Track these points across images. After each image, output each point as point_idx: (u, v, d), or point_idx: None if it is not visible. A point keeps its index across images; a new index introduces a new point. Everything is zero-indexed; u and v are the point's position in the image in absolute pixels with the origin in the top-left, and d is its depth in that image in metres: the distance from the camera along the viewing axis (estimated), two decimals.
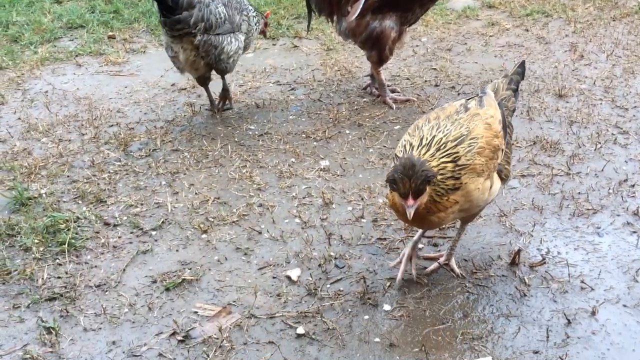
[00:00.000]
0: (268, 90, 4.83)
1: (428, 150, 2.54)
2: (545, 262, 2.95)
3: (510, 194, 3.47)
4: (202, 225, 3.30)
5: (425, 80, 4.85)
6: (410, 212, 2.45)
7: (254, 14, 4.45)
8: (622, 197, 3.38)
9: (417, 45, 5.47)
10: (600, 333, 2.58)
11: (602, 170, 3.60)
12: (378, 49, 4.29)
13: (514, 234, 3.17)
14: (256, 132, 4.23)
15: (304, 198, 3.53)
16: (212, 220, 3.36)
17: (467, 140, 2.56)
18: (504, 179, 2.85)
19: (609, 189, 3.45)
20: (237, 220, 3.35)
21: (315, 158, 3.90)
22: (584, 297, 2.75)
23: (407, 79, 4.91)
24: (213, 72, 4.28)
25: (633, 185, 3.46)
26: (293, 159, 3.91)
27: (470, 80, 4.78)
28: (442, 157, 2.52)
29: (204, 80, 4.31)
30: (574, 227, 3.19)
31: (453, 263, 2.94)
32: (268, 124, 4.32)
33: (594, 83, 4.57)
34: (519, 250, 2.97)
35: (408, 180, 2.42)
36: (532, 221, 3.24)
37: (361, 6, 4.16)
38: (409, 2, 4.19)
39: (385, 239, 3.20)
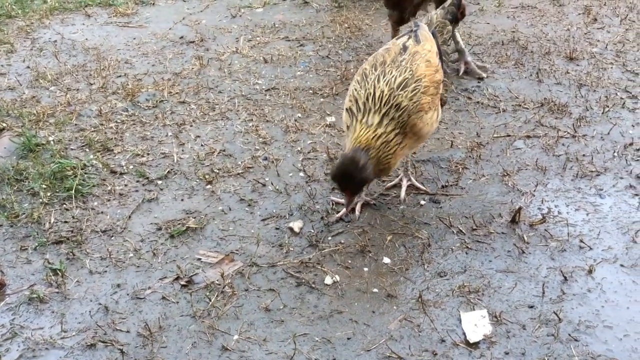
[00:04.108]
0: (277, 45, 4.80)
1: (376, 113, 2.69)
2: (545, 221, 2.98)
3: (515, 154, 3.48)
4: (207, 176, 3.34)
5: None
6: (347, 207, 2.84)
7: None
8: (626, 160, 3.37)
9: (429, 4, 5.38)
10: (596, 291, 2.62)
11: (609, 133, 3.59)
12: (399, 10, 4.19)
13: (516, 193, 3.19)
14: (263, 87, 4.23)
15: (309, 153, 3.55)
16: (217, 171, 3.39)
17: (412, 84, 2.74)
18: (443, 105, 3.10)
19: (614, 152, 3.44)
20: (242, 173, 3.39)
21: (321, 114, 3.90)
22: (581, 256, 2.79)
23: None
24: None
25: (638, 149, 3.45)
26: (299, 114, 3.91)
27: (481, 40, 4.73)
28: (389, 120, 2.68)
29: None
30: (576, 188, 3.20)
31: (415, 182, 3.21)
32: (275, 79, 4.31)
33: (606, 47, 4.51)
34: (520, 209, 3.00)
35: (346, 183, 2.71)
36: (535, 181, 3.26)
37: None
38: None
39: (387, 194, 3.22)
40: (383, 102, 2.70)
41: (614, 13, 5.00)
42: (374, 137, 2.66)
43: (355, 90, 2.79)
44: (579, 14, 5.06)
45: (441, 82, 2.95)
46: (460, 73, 4.24)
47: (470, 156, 3.48)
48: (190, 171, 3.41)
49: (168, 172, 3.39)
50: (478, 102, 3.97)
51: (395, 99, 2.70)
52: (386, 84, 2.72)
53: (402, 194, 3.18)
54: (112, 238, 2.96)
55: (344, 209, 3.01)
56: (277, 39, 4.91)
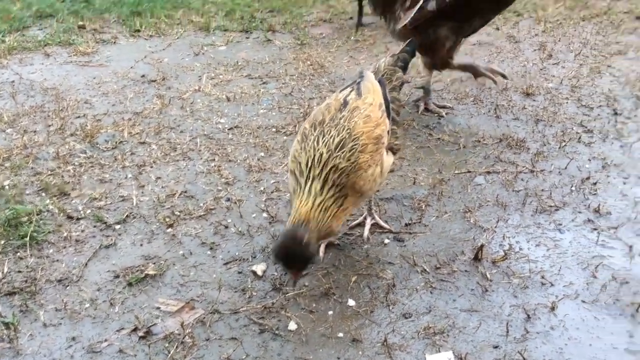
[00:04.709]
0: (240, 83, 4.80)
1: (317, 179, 2.62)
2: (507, 258, 2.99)
3: (476, 190, 3.51)
4: (167, 219, 3.28)
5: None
6: (294, 283, 2.76)
7: None
8: (584, 194, 3.44)
9: (390, 42, 5.48)
10: (559, 328, 2.62)
11: (566, 168, 3.66)
12: (431, 56, 4.13)
13: (478, 230, 3.21)
14: (226, 126, 4.21)
15: (272, 193, 3.52)
16: (178, 214, 3.33)
17: (350, 143, 2.67)
18: (395, 153, 3.03)
19: (572, 186, 3.50)
20: (203, 215, 3.33)
21: (284, 152, 3.89)
22: (543, 293, 2.80)
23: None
24: None
25: (595, 183, 3.52)
26: (262, 153, 3.90)
27: (441, 77, 4.81)
28: (330, 186, 2.62)
29: None
30: (536, 223, 3.24)
31: (379, 220, 3.18)
32: (238, 118, 4.30)
33: (561, 82, 4.64)
34: (482, 246, 3.01)
35: (290, 264, 2.62)
36: (496, 217, 3.29)
37: (412, 16, 3.92)
38: (467, 13, 3.90)
39: (351, 234, 3.21)
40: (322, 164, 2.63)
41: (568, 49, 5.16)
42: (312, 207, 2.60)
43: (297, 151, 2.72)
44: (535, 50, 5.21)
45: (383, 135, 2.84)
46: (420, 111, 4.30)
47: (432, 193, 3.50)
48: (150, 214, 3.34)
49: (127, 216, 3.32)
50: (439, 138, 4.02)
51: (334, 160, 2.63)
52: (325, 146, 2.65)
53: (366, 233, 3.18)
54: (68, 288, 2.86)
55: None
56: (240, 77, 4.92)
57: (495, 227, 3.22)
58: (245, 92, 4.64)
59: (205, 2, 6.34)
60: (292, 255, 2.59)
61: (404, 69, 3.23)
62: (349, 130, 2.70)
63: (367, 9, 4.70)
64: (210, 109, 4.41)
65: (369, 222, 3.22)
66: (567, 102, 4.36)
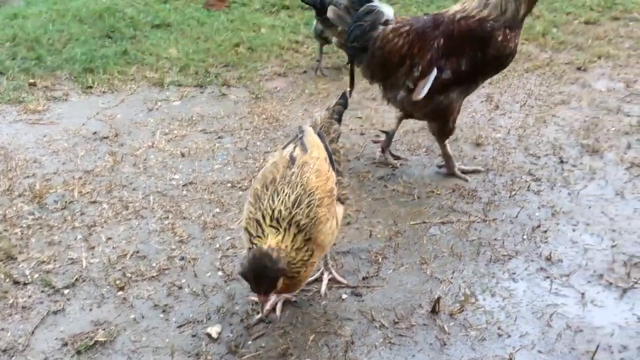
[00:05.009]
0: (194, 138, 4.79)
1: (275, 230, 2.59)
2: (463, 309, 3.00)
3: (431, 241, 3.54)
4: (118, 282, 3.18)
5: (351, 129, 4.94)
6: (265, 307, 2.71)
7: None
8: (535, 243, 3.51)
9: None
10: None
11: (517, 216, 3.75)
12: (442, 122, 4.03)
13: (435, 281, 3.22)
14: (180, 182, 4.16)
15: (227, 250, 3.47)
16: (130, 276, 3.24)
17: (306, 199, 2.66)
18: (343, 202, 3.05)
19: (523, 235, 3.58)
20: (156, 275, 3.25)
21: (240, 208, 3.86)
22: (500, 344, 2.81)
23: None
24: None
25: (545, 231, 3.60)
26: (218, 209, 3.86)
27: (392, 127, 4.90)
28: (291, 236, 2.59)
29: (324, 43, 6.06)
30: (490, 273, 3.27)
31: (336, 275, 3.17)
32: (193, 174, 4.27)
33: (509, 132, 4.79)
34: (439, 298, 3.02)
35: (259, 279, 2.50)
36: (452, 268, 3.31)
37: (429, 85, 3.88)
38: (475, 75, 3.91)
39: (308, 290, 3.17)
40: (281, 220, 2.60)
41: (513, 100, 5.36)
42: (282, 241, 2.58)
43: (251, 212, 2.68)
44: (482, 101, 5.39)
45: (334, 187, 2.86)
46: (377, 156, 4.38)
47: (389, 245, 3.52)
48: (100, 277, 3.24)
49: (76, 279, 3.21)
50: (394, 189, 4.07)
51: (294, 217, 2.61)
52: (282, 203, 2.63)
53: (323, 288, 3.15)
54: (13, 358, 2.72)
55: (265, 308, 2.93)
56: (195, 132, 4.90)
57: (451, 278, 3.24)
58: (200, 147, 4.62)
59: (159, 58, 6.36)
60: (262, 270, 2.48)
61: (339, 121, 3.30)
62: (303, 187, 2.70)
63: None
64: (164, 165, 4.37)
65: (326, 277, 3.20)
66: (515, 152, 4.49)
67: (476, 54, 3.83)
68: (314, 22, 6.01)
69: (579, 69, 5.95)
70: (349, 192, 3.99)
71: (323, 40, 6.04)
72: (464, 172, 4.22)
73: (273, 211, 2.62)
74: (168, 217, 3.76)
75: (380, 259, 3.40)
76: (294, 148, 2.88)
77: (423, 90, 3.91)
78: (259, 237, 2.62)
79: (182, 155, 4.51)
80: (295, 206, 2.63)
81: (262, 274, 2.50)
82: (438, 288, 3.17)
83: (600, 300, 3.06)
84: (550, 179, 4.13)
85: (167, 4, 7.91)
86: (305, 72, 6.15)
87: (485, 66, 3.90)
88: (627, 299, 3.07)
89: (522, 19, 3.85)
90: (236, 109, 5.34)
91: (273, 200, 2.65)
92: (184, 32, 7.02)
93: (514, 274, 3.26)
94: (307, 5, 7.66)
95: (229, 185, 4.13)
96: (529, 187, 4.05)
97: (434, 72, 3.89)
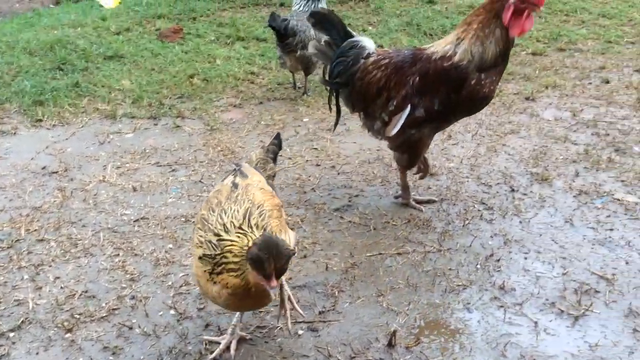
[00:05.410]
0: (147, 171, 4.70)
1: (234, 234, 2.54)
2: (420, 342, 3.00)
3: (387, 272, 3.55)
4: (66, 324, 3.07)
5: (307, 160, 4.95)
6: (276, 293, 2.48)
7: None
8: (488, 272, 3.55)
9: (298, 125, 5.61)
10: None
11: (470, 245, 3.79)
12: (411, 155, 4.09)
13: (391, 314, 3.22)
14: (132, 217, 4.07)
15: (180, 287, 3.40)
16: (78, 316, 3.13)
17: (256, 210, 2.66)
18: (292, 229, 3.11)
19: (477, 264, 3.62)
20: (106, 316, 3.15)
21: None
22: None
23: (289, 158, 4.98)
24: None
25: (498, 260, 3.65)
26: (171, 245, 3.78)
27: (349, 159, 4.94)
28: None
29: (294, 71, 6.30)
30: (445, 303, 3.29)
31: (296, 306, 3.06)
32: (145, 208, 4.18)
33: (461, 161, 4.88)
34: (395, 331, 3.01)
35: (279, 255, 2.40)
36: (408, 300, 3.32)
37: (402, 122, 3.95)
38: (447, 114, 3.97)
39: (264, 327, 3.12)
40: (236, 228, 2.56)
41: (465, 129, 5.47)
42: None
43: (201, 236, 2.62)
44: None
45: (281, 206, 2.91)
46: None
47: (345, 278, 3.50)
48: (47, 319, 3.11)
49: (22, 321, 3.08)
50: (350, 221, 4.08)
51: (250, 222, 2.58)
52: (233, 218, 2.59)
53: (289, 324, 2.98)
54: None
55: (219, 347, 2.87)
56: (148, 165, 4.82)
57: (407, 310, 3.24)
58: (152, 181, 4.55)
59: (112, 90, 6.26)
60: (276, 245, 2.40)
61: (274, 160, 3.33)
62: (250, 201, 2.69)
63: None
64: (115, 200, 4.27)
65: (288, 310, 3.04)
66: (467, 181, 4.58)
67: (449, 95, 3.88)
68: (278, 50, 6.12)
69: (527, 98, 6.13)
70: (305, 225, 4.00)
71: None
72: (418, 202, 4.26)
73: (224, 225, 2.57)
74: (119, 255, 3.66)
75: (336, 292, 3.38)
76: (235, 177, 2.90)
77: (395, 127, 3.99)
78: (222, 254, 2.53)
79: (134, 189, 4.43)
80: (246, 218, 2.60)
81: (279, 251, 2.40)
82: (394, 320, 3.16)
83: (553, 329, 3.11)
84: (502, 208, 4.21)
85: (120, 35, 7.83)
86: (261, 103, 6.15)
87: (457, 107, 3.95)
88: (578, 326, 3.12)
89: (495, 61, 3.80)
90: (191, 141, 5.29)
91: (222, 218, 2.61)
92: (138, 64, 6.94)
93: (468, 303, 3.29)
94: (262, 37, 7.70)
95: (183, 219, 4.06)
96: (481, 216, 4.12)
97: (407, 109, 3.96)
